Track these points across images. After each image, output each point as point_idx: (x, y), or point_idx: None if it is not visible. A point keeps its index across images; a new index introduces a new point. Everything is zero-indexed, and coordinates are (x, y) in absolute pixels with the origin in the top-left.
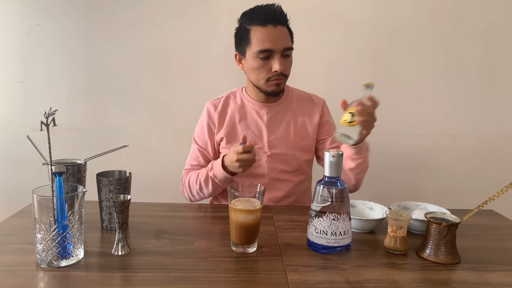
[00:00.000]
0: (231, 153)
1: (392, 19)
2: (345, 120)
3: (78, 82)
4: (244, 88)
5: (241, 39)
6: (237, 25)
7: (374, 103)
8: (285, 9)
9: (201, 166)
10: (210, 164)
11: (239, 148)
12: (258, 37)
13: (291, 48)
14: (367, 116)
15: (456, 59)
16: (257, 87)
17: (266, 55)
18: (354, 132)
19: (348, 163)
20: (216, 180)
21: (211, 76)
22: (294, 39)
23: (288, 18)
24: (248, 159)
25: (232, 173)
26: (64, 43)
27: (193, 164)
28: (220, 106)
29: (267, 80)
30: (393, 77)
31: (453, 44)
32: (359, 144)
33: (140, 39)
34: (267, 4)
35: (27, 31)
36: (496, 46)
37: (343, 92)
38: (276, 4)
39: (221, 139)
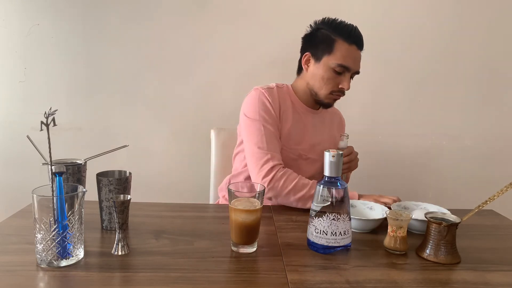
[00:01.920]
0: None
1: (392, 19)
2: None
3: (78, 82)
4: (290, 87)
5: (322, 45)
6: (313, 27)
7: (355, 153)
8: (285, 10)
9: (280, 154)
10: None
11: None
12: (343, 52)
13: (358, 73)
14: (352, 165)
15: (457, 59)
16: (314, 94)
17: (341, 70)
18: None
19: None
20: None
21: (211, 76)
22: (294, 39)
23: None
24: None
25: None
26: (64, 43)
27: (278, 152)
28: (276, 95)
29: (330, 92)
30: (393, 77)
31: (453, 44)
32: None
33: (140, 39)
34: (351, 24)
35: (27, 31)
36: (496, 46)
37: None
38: (356, 27)
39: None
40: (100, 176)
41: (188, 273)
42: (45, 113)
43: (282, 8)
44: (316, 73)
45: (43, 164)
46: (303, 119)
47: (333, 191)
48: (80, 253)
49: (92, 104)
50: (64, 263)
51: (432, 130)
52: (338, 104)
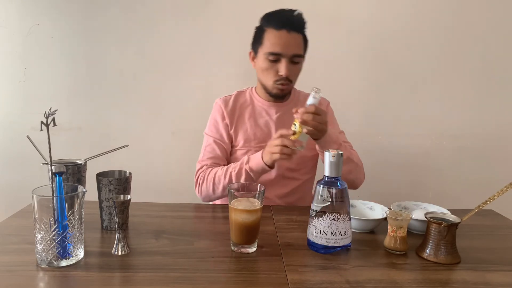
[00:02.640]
0: (272, 141)
1: (392, 19)
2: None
3: (78, 82)
4: (254, 88)
5: (256, 39)
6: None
7: (317, 114)
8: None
9: (219, 159)
10: (245, 157)
11: (275, 134)
12: (271, 39)
13: (300, 56)
14: (311, 128)
15: (456, 59)
16: (264, 87)
17: (275, 58)
18: (303, 140)
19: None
20: (251, 174)
21: (211, 76)
22: None
23: (305, 26)
24: (277, 145)
25: (270, 166)
26: (64, 43)
27: (210, 157)
28: (230, 103)
29: (273, 82)
30: (393, 77)
31: (453, 44)
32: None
33: (140, 39)
34: (290, 9)
35: (27, 31)
36: (496, 46)
37: (344, 92)
38: (298, 11)
39: (233, 136)
40: (100, 176)
41: (188, 273)
42: (45, 113)
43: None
44: (258, 66)
45: (43, 164)
46: (267, 115)
47: (333, 191)
48: (80, 253)
49: (92, 104)
50: (64, 263)
51: (432, 130)
52: (338, 103)
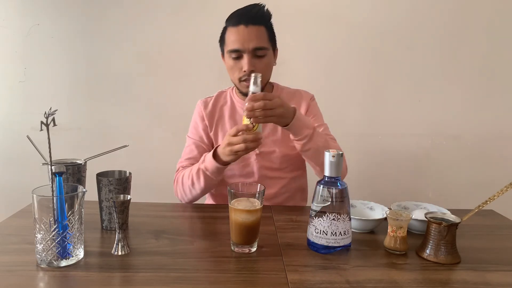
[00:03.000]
0: (230, 138)
1: (392, 19)
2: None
3: (78, 82)
4: (234, 87)
5: (220, 39)
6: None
7: (275, 97)
8: (284, 10)
9: (196, 160)
10: (203, 156)
11: (232, 130)
12: (230, 37)
13: (262, 48)
14: (257, 118)
15: (456, 59)
16: (235, 86)
17: (236, 55)
18: (260, 131)
19: (297, 149)
20: (207, 173)
21: (211, 76)
22: (294, 40)
23: (268, 17)
24: (238, 142)
25: (225, 164)
26: (64, 43)
27: (188, 157)
28: (210, 105)
29: (239, 80)
30: (393, 77)
31: (453, 44)
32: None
33: (140, 39)
34: (251, 4)
35: (27, 31)
36: (496, 46)
37: (344, 92)
38: (260, 4)
39: (212, 138)
40: (100, 176)
41: (188, 273)
42: (45, 113)
43: (282, 8)
44: (226, 66)
45: (43, 164)
46: None
47: (333, 191)
48: (80, 253)
49: (92, 104)
50: (64, 263)
51: (432, 130)
52: (338, 103)
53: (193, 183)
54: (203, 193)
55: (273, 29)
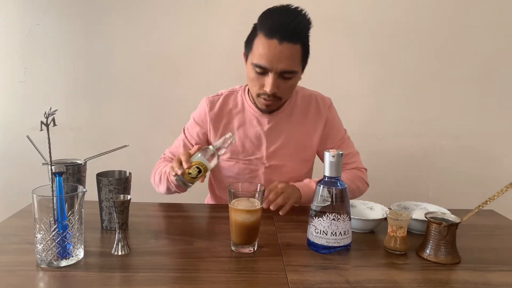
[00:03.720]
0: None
1: (392, 19)
2: (189, 174)
3: (78, 82)
4: (247, 89)
5: (248, 41)
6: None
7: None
8: None
9: None
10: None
11: (183, 157)
12: (259, 47)
13: (292, 72)
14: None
15: (456, 59)
16: (251, 97)
17: (261, 71)
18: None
19: None
20: (169, 178)
21: (211, 76)
22: None
23: (307, 31)
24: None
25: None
26: (64, 43)
27: (172, 151)
28: (217, 107)
29: (257, 95)
30: (393, 77)
31: (453, 44)
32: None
33: (140, 39)
34: (292, 9)
35: (27, 31)
36: (496, 46)
37: (343, 92)
38: (301, 12)
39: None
40: (100, 176)
41: (188, 273)
42: (45, 113)
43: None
44: (247, 73)
45: (43, 164)
46: (258, 124)
47: (333, 191)
48: (80, 253)
49: (92, 104)
50: (64, 263)
51: (432, 130)
52: (338, 103)
53: (160, 180)
54: (168, 193)
55: (308, 45)
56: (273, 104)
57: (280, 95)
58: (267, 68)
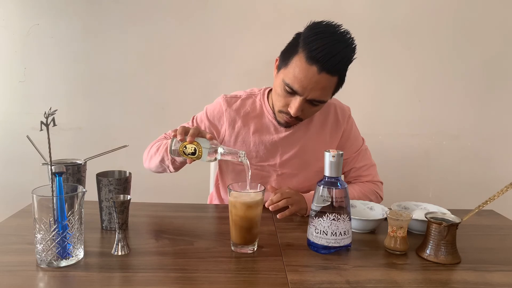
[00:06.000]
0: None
1: (392, 19)
2: (185, 147)
3: (78, 82)
4: (267, 93)
5: (286, 53)
6: (300, 31)
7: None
8: (283, 9)
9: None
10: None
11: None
12: (295, 68)
13: (321, 102)
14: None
15: (456, 59)
16: (272, 106)
17: (291, 91)
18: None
19: None
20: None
21: (211, 77)
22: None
23: (348, 64)
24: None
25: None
26: (64, 43)
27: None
28: (234, 108)
29: (280, 111)
30: (393, 77)
31: (453, 44)
32: None
33: (140, 39)
34: (336, 37)
35: (26, 31)
36: (496, 47)
37: (343, 92)
38: (348, 47)
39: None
40: (100, 176)
41: (188, 273)
42: (45, 113)
43: (282, 8)
44: (274, 83)
45: (43, 164)
46: (275, 132)
47: (333, 191)
48: (80, 253)
49: (92, 104)
50: (64, 263)
51: (432, 130)
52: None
53: (157, 151)
54: (157, 169)
55: (345, 76)
56: (292, 123)
57: (302, 117)
58: (297, 92)
